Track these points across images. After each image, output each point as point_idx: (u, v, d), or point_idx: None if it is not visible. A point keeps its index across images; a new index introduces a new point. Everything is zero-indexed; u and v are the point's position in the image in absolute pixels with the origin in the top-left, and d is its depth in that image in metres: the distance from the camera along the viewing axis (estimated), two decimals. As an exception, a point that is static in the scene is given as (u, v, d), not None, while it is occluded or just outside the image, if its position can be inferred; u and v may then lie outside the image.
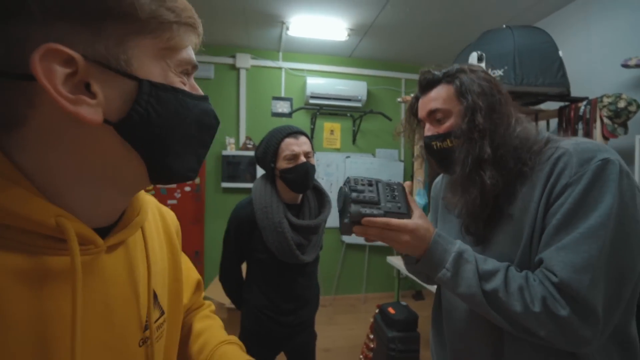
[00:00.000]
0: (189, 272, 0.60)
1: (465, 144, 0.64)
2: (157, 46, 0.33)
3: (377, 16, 2.54)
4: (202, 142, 0.39)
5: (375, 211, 0.59)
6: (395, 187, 0.65)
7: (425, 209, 2.11)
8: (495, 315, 0.56)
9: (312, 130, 3.30)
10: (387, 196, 0.62)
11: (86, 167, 0.32)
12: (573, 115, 1.84)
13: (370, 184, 0.63)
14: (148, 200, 0.47)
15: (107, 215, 0.37)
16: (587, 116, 1.76)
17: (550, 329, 0.52)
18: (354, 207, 0.58)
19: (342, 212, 0.62)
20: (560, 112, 1.92)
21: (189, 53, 0.37)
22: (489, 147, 0.62)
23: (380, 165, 3.37)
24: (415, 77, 3.07)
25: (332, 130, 3.39)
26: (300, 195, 1.19)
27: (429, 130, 0.71)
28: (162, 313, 0.45)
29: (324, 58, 3.35)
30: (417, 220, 0.60)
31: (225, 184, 3.04)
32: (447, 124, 0.68)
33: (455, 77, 0.68)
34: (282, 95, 3.27)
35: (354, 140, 3.42)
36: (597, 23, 2.11)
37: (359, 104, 3.29)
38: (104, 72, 0.30)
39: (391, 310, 1.91)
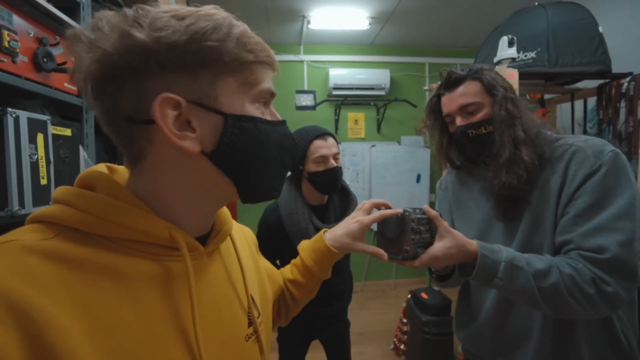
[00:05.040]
0: (273, 270, 0.67)
1: (505, 129, 0.72)
2: (238, 82, 0.37)
3: (398, 3, 2.49)
4: (281, 163, 0.43)
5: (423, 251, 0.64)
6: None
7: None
8: (545, 306, 0.62)
9: (337, 121, 3.33)
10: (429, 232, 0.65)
11: (187, 187, 0.38)
12: (614, 93, 1.75)
13: (423, 223, 0.65)
14: (229, 216, 0.52)
15: (202, 225, 0.42)
16: (631, 93, 1.67)
17: (600, 304, 0.60)
18: (412, 249, 0.62)
19: (397, 243, 0.64)
20: (599, 90, 1.83)
21: (267, 85, 0.40)
22: (521, 130, 0.72)
23: (406, 152, 3.36)
24: (440, 60, 3.01)
25: (356, 120, 3.40)
26: (326, 196, 1.21)
27: (461, 121, 0.77)
28: (259, 314, 0.50)
29: (345, 48, 3.33)
30: (444, 244, 0.63)
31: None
32: (480, 114, 0.75)
33: (479, 74, 0.76)
34: (305, 88, 3.31)
35: (378, 129, 3.42)
36: (641, -10, 1.96)
37: (382, 92, 3.27)
38: (200, 110, 0.35)
39: (424, 296, 1.96)
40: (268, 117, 0.41)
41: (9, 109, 0.78)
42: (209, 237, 0.44)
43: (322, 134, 1.11)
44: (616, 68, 1.72)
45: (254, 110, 0.39)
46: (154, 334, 0.33)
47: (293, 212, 1.12)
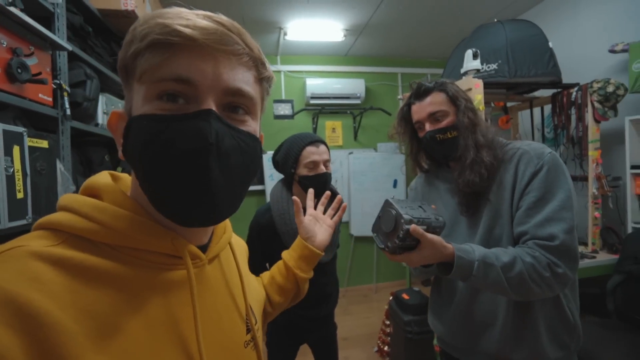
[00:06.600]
0: (259, 281, 0.69)
1: (468, 134, 0.82)
2: (138, 82, 0.34)
3: (371, 16, 2.62)
4: (183, 174, 0.33)
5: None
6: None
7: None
8: (512, 293, 0.70)
9: (315, 129, 3.39)
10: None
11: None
12: (566, 101, 1.94)
13: (410, 235, 0.69)
14: (229, 224, 0.52)
15: (202, 233, 0.43)
16: (579, 101, 1.86)
17: (554, 284, 0.70)
18: (393, 248, 0.69)
19: (386, 234, 0.71)
20: (553, 99, 2.02)
21: (165, 72, 0.33)
22: (480, 135, 0.82)
23: (382, 158, 3.47)
24: (411, 70, 3.18)
25: (333, 128, 3.48)
26: (316, 200, 1.25)
27: (430, 127, 0.87)
28: (257, 321, 0.50)
29: (321, 58, 3.43)
30: (421, 254, 0.70)
31: (234, 188, 3.14)
32: (446, 121, 0.85)
33: (444, 86, 0.86)
34: (283, 97, 3.35)
35: (355, 137, 3.51)
36: (584, 11, 2.20)
37: (358, 101, 3.38)
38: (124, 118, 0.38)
39: (405, 296, 2.03)
40: (178, 113, 0.33)
41: (-15, 121, 0.76)
42: (210, 244, 0.45)
43: (315, 141, 1.16)
44: (566, 79, 1.92)
45: (150, 108, 0.33)
46: (157, 340, 0.34)
47: (285, 213, 1.15)
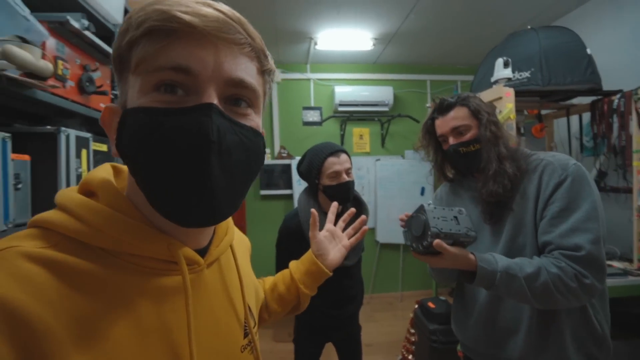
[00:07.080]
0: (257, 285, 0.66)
1: (490, 147, 0.84)
2: (133, 73, 0.32)
3: (400, 25, 2.65)
4: (182, 173, 0.31)
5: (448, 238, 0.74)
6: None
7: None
8: (535, 302, 0.72)
9: (342, 136, 3.44)
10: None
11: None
12: (607, 109, 1.84)
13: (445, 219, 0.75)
14: (231, 224, 0.50)
15: (201, 236, 0.40)
16: (622, 109, 1.77)
17: (581, 295, 0.70)
18: (418, 249, 0.75)
19: (421, 237, 0.75)
20: (592, 106, 1.92)
21: (159, 60, 0.31)
22: (503, 147, 0.84)
23: (410, 166, 3.44)
24: (440, 77, 3.17)
25: (361, 135, 3.52)
26: (340, 207, 1.29)
27: (453, 140, 0.89)
28: (255, 323, 0.49)
29: (350, 66, 3.49)
30: (444, 262, 0.75)
31: (263, 192, 3.27)
32: (469, 134, 0.88)
33: (467, 101, 0.89)
34: (312, 105, 3.44)
35: (382, 144, 3.53)
36: (628, 14, 2.08)
37: (386, 108, 3.40)
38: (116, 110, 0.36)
39: (431, 305, 2.01)
40: (175, 106, 0.32)
41: (62, 128, 0.89)
42: (210, 247, 0.43)
43: (335, 151, 1.20)
44: (607, 85, 1.82)
45: (146, 100, 0.32)
46: (149, 348, 0.33)
47: None
